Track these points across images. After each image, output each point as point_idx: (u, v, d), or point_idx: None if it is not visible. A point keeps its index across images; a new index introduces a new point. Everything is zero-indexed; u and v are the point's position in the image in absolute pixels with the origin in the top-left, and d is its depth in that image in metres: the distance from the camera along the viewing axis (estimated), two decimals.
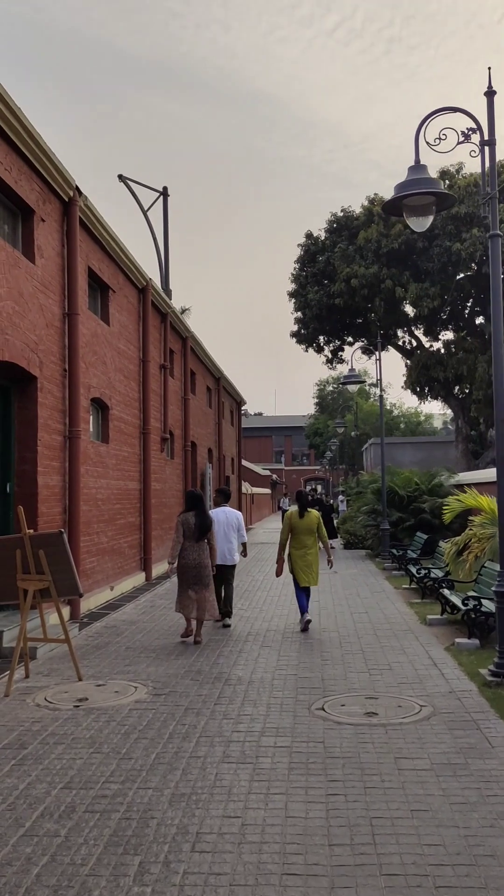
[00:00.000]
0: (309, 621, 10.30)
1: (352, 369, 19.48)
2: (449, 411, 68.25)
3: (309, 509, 10.79)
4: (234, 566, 10.91)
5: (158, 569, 17.31)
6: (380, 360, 20.23)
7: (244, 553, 11.13)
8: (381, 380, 19.47)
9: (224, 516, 10.84)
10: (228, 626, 10.62)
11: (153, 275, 17.14)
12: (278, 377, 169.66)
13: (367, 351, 26.39)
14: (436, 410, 69.44)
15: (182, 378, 21.24)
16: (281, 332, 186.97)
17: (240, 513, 11.42)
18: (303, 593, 10.61)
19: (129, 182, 18.54)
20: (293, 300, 35.41)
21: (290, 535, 10.70)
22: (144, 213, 18.83)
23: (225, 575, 10.69)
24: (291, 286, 35.46)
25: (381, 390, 19.58)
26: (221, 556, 10.53)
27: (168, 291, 19.59)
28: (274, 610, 12.18)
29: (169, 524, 18.31)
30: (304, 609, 10.43)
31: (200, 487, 24.11)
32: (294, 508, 10.88)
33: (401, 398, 79.68)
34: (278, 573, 10.94)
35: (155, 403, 17.63)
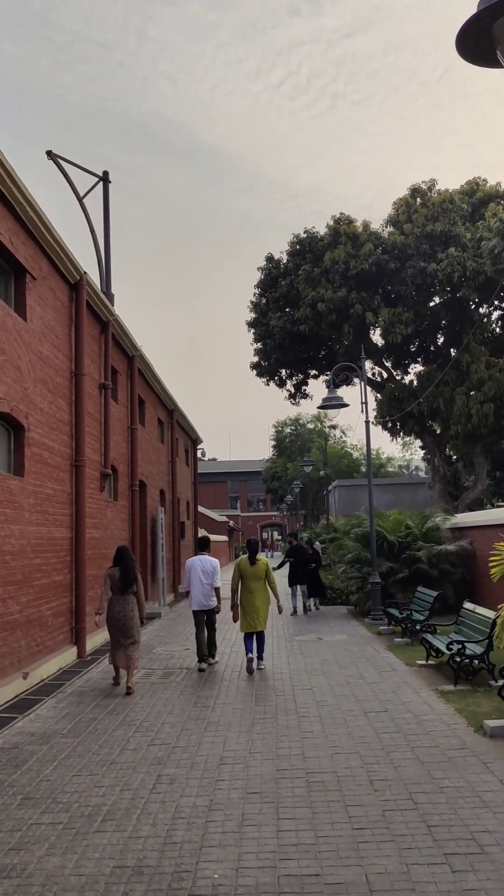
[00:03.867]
0: (252, 659, 10.68)
1: (331, 389, 16.32)
2: (413, 454, 65.89)
3: (259, 557, 11.08)
4: (213, 610, 11.29)
5: (96, 639, 13.60)
6: (364, 381, 17.10)
7: (218, 603, 11.36)
8: (365, 402, 16.34)
9: (200, 563, 11.36)
10: (209, 666, 11.18)
11: (91, 274, 13.82)
12: (233, 421, 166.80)
13: (336, 384, 23.35)
14: (396, 453, 66.91)
15: (128, 404, 17.79)
16: (235, 375, 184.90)
17: (216, 560, 11.57)
18: (251, 639, 10.91)
19: (60, 161, 15.27)
20: (252, 330, 32.42)
21: (241, 582, 10.98)
22: (80, 199, 15.54)
23: (203, 619, 11.21)
24: (250, 315, 32.53)
25: (367, 417, 16.42)
26: (198, 602, 11.19)
27: (110, 296, 16.25)
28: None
29: None
30: (249, 650, 10.81)
31: (151, 535, 20.48)
32: (244, 556, 11.18)
33: (361, 440, 76.99)
34: (234, 619, 11.11)
35: (92, 430, 14.12)
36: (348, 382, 31.42)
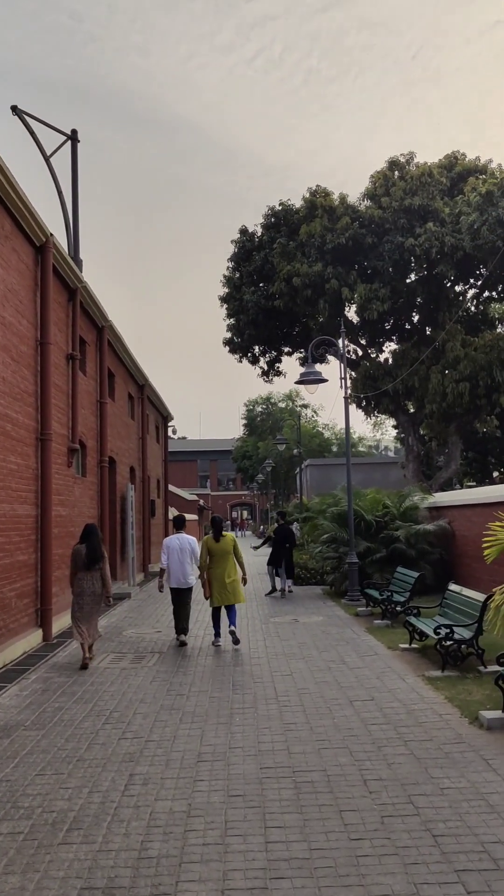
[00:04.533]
0: (220, 641, 11.25)
1: (309, 363, 15.73)
2: (384, 433, 65.75)
3: (224, 533, 11.46)
4: (189, 588, 11.48)
5: (63, 621, 12.98)
6: (344, 354, 16.56)
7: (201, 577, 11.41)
8: (344, 378, 15.79)
9: (178, 542, 11.51)
10: (185, 643, 11.25)
11: (58, 239, 13.03)
12: (203, 400, 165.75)
13: (314, 359, 22.74)
14: (367, 433, 66.69)
15: (97, 377, 17.06)
16: (205, 352, 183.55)
17: (193, 538, 11.69)
18: (219, 615, 11.40)
19: (26, 117, 14.32)
20: (225, 305, 31.69)
21: (209, 558, 11.26)
22: (46, 158, 14.63)
23: (182, 597, 11.46)
24: (223, 290, 31.77)
25: (346, 392, 15.86)
26: (176, 580, 11.36)
27: (78, 262, 15.44)
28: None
29: None
30: (217, 631, 11.37)
31: (121, 513, 19.83)
32: (209, 535, 11.45)
33: (333, 419, 76.77)
34: (206, 595, 11.32)
35: (59, 403, 13.41)
36: (324, 361, 30.90)
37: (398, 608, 12.58)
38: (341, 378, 16.36)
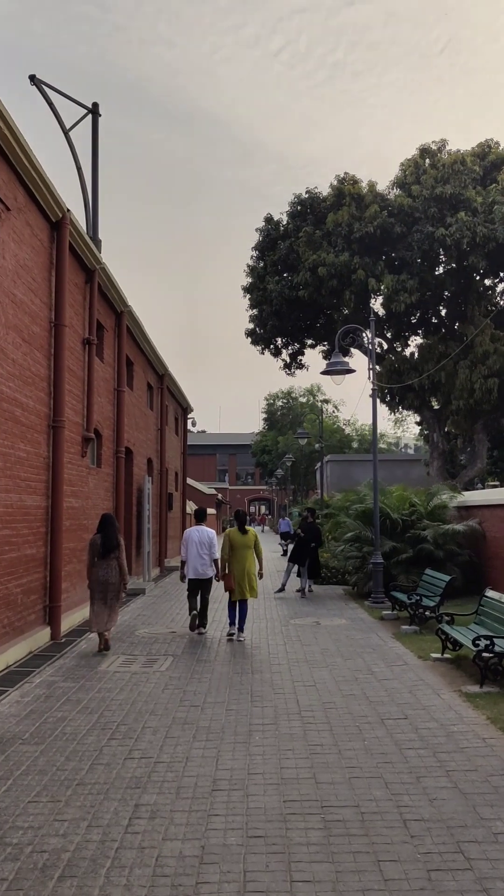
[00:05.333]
0: (236, 634, 11.17)
1: (336, 353, 14.94)
2: (405, 430, 64.74)
3: (248, 527, 11.54)
4: (209, 580, 11.65)
5: (73, 618, 12.37)
6: (372, 342, 15.77)
7: (217, 573, 11.61)
8: (373, 368, 15.00)
9: (198, 534, 11.63)
10: (203, 633, 11.59)
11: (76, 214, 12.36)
12: (224, 394, 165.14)
13: (341, 349, 21.94)
14: (388, 429, 65.70)
15: (115, 364, 16.41)
16: (226, 345, 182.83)
17: (213, 531, 11.83)
18: (234, 609, 11.36)
19: (45, 87, 13.62)
20: (249, 296, 30.95)
21: (231, 552, 11.35)
22: (66, 132, 13.93)
23: (200, 588, 11.67)
24: (247, 280, 31.03)
25: (375, 383, 15.07)
26: (195, 571, 11.53)
27: (97, 242, 14.77)
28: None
29: None
30: (232, 622, 11.34)
31: (137, 505, 19.21)
32: (233, 527, 11.64)
33: (355, 414, 75.81)
34: (226, 588, 11.40)
35: (74, 389, 12.77)
36: (348, 354, 30.07)
37: (427, 613, 11.84)
38: (369, 369, 15.61)
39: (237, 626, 11.25)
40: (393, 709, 7.23)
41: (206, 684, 8.32)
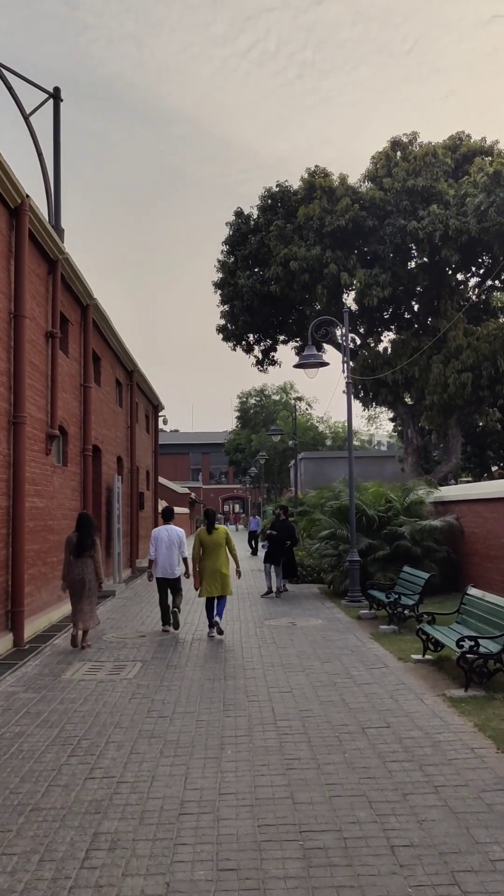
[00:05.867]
0: (214, 632, 11.10)
1: (310, 346, 14.51)
2: (378, 427, 64.66)
3: (217, 525, 11.28)
4: (177, 579, 11.62)
5: (39, 623, 11.82)
6: (346, 333, 15.39)
7: (186, 572, 11.69)
8: (347, 361, 14.60)
9: (166, 533, 11.63)
10: (168, 631, 11.56)
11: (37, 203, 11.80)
12: (196, 392, 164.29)
13: (315, 342, 21.50)
14: (361, 426, 65.56)
15: (81, 359, 15.84)
16: (197, 344, 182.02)
17: (182, 530, 11.87)
18: (212, 606, 11.22)
19: (4, 71, 12.98)
20: (219, 291, 30.46)
21: (202, 551, 11.15)
22: (26, 117, 13.33)
23: (169, 587, 11.64)
24: (217, 275, 30.51)
25: (349, 376, 14.67)
26: (163, 570, 11.52)
27: (59, 231, 14.20)
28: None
29: (58, 556, 12.86)
30: (211, 622, 11.18)
31: (106, 505, 18.64)
32: (203, 527, 11.35)
33: (328, 412, 75.70)
34: (195, 586, 11.25)
35: (36, 384, 12.20)
36: (321, 349, 29.71)
37: (406, 612, 11.46)
38: (343, 363, 15.21)
39: (217, 614, 11.21)
40: (374, 716, 6.81)
41: (175, 693, 7.84)
